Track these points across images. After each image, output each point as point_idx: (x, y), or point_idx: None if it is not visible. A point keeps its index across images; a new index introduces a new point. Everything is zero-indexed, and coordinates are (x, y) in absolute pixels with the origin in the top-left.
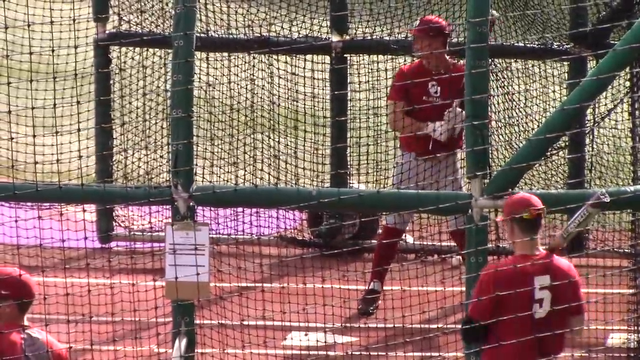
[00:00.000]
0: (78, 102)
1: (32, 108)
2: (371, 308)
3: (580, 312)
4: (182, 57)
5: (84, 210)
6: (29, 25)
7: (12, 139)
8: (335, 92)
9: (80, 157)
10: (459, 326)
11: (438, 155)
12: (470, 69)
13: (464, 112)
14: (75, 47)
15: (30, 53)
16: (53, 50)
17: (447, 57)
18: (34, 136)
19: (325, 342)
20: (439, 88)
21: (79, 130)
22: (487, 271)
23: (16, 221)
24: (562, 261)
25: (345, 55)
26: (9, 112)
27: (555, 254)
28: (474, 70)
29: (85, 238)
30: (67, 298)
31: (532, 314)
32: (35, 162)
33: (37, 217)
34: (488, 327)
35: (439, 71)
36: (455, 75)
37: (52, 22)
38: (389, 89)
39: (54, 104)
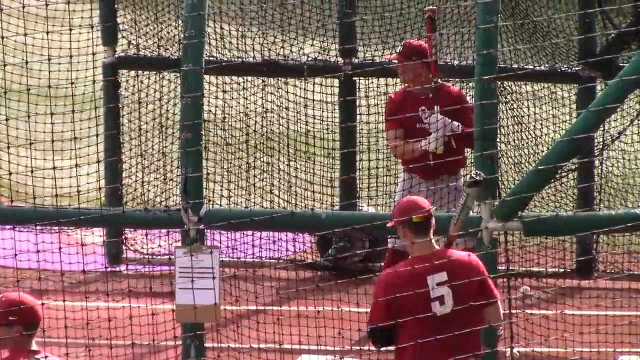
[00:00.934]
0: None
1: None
2: None
3: (492, 303)
4: (191, 81)
5: (95, 235)
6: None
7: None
8: (344, 102)
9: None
10: None
11: (440, 175)
12: (479, 93)
13: (453, 121)
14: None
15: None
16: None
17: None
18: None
19: None
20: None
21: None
22: (378, 280)
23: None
24: (461, 255)
25: (354, 78)
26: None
27: (451, 247)
28: (481, 82)
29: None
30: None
31: (434, 313)
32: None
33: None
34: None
35: (427, 94)
36: (443, 95)
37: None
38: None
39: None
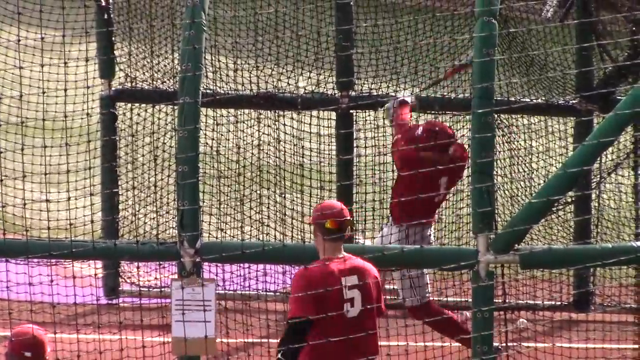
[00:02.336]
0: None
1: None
2: None
3: (382, 313)
4: (188, 114)
5: (92, 268)
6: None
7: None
8: (341, 135)
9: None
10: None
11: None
12: (476, 126)
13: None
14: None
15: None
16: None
17: None
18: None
19: None
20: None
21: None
22: (298, 274)
23: (30, 282)
24: (366, 263)
25: (351, 111)
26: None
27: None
28: (478, 115)
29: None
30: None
31: (344, 314)
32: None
33: (46, 274)
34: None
35: None
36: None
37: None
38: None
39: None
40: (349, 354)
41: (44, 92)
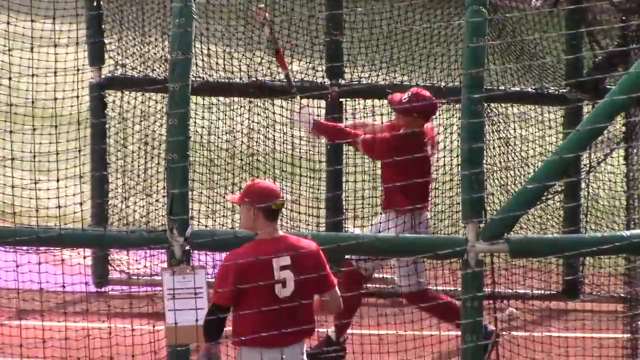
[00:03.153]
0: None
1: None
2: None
3: (330, 289)
4: (178, 102)
5: (81, 256)
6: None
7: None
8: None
9: (80, 203)
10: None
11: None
12: (466, 114)
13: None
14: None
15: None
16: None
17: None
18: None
19: None
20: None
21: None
22: (226, 259)
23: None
24: (302, 241)
25: (340, 99)
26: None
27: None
28: (468, 104)
29: (85, 283)
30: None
31: (276, 295)
32: (35, 207)
33: (35, 262)
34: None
35: None
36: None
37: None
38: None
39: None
40: (279, 333)
41: (33, 76)
